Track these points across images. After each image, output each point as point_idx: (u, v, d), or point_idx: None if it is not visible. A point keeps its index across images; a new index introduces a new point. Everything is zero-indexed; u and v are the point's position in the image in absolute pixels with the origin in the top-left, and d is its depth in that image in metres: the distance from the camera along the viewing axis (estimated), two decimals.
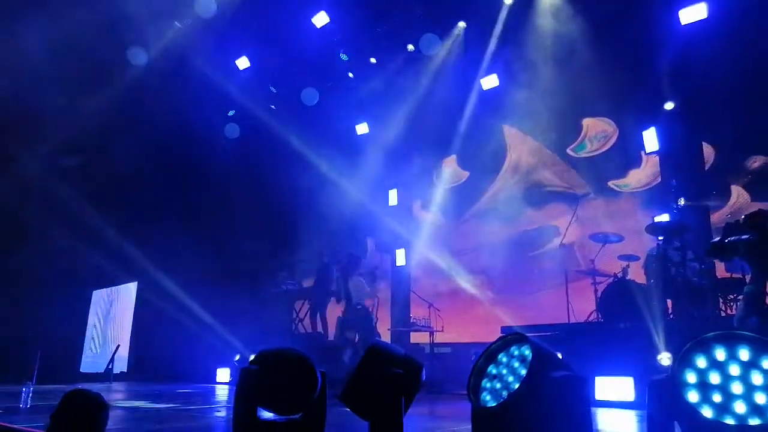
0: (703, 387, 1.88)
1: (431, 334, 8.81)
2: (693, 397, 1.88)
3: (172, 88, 9.18)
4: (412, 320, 9.27)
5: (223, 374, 10.02)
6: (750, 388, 1.82)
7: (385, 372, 2.66)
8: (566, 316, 7.43)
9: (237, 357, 9.52)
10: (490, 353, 2.51)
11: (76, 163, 10.55)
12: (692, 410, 1.84)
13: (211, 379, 10.23)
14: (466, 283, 9.50)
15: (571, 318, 7.41)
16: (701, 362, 1.92)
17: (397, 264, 10.81)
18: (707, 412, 1.84)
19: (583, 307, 7.53)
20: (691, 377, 1.91)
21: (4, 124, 9.17)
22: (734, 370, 1.86)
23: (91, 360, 13.79)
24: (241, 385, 2.88)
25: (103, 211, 11.09)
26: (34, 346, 8.89)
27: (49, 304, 11.70)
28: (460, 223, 10.69)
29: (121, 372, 11.94)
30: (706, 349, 1.92)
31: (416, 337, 9.40)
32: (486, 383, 2.41)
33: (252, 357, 3.09)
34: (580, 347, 6.63)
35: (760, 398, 1.80)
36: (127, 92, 9.49)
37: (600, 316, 7.24)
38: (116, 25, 8.49)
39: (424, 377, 2.79)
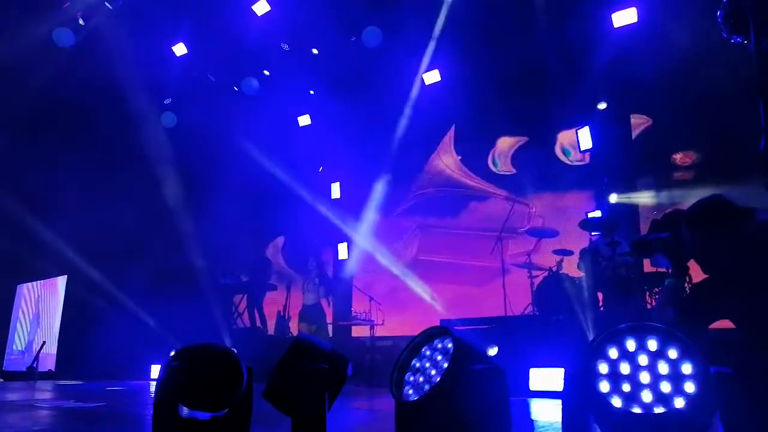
0: (614, 377, 1.94)
1: (372, 327, 8.83)
2: (604, 387, 1.93)
3: (101, 73, 8.77)
4: (353, 314, 9.27)
5: (158, 371, 9.74)
6: (657, 378, 1.88)
7: (309, 367, 2.62)
8: (503, 309, 7.58)
9: (172, 353, 9.25)
10: (413, 347, 2.50)
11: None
12: (603, 400, 1.89)
13: (146, 375, 9.93)
14: (405, 277, 9.55)
15: (508, 311, 7.57)
16: (613, 353, 1.97)
17: (339, 257, 10.76)
18: (616, 402, 1.89)
19: (520, 300, 7.71)
20: (603, 368, 1.96)
21: None
22: (643, 360, 1.92)
23: (16, 357, 13.12)
24: (160, 382, 2.78)
25: (28, 200, 10.56)
26: None
27: None
28: (399, 218, 10.78)
29: (49, 370, 11.42)
30: (618, 340, 1.97)
31: (357, 331, 9.41)
32: (409, 377, 2.40)
33: (172, 353, 3.00)
34: (517, 339, 6.80)
35: (665, 387, 1.86)
36: (54, 76, 9.03)
37: (535, 308, 7.43)
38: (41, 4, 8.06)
39: (350, 372, 2.76)
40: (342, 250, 10.74)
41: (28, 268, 12.45)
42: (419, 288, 9.33)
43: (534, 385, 6.36)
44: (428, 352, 2.40)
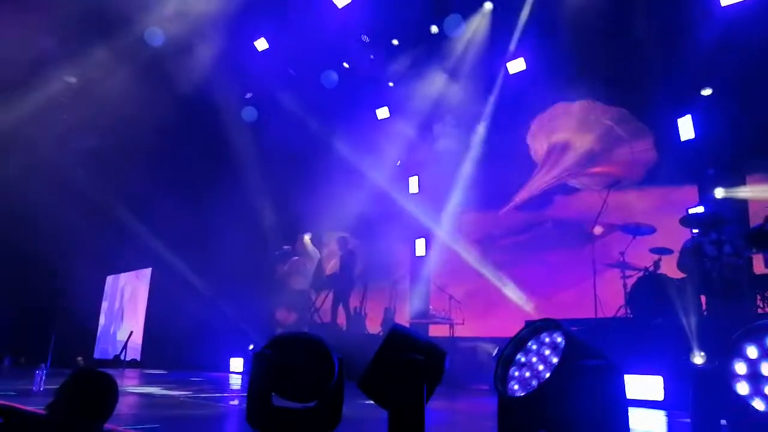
0: (755, 378, 1.78)
1: (451, 326, 8.76)
2: (743, 389, 1.78)
3: (188, 69, 9.19)
4: (431, 312, 9.22)
5: (237, 364, 10.08)
6: None
7: (405, 358, 2.59)
8: (593, 311, 7.30)
9: (251, 346, 9.57)
10: (518, 340, 2.43)
11: (91, 144, 10.66)
12: (742, 403, 1.74)
13: (224, 368, 10.32)
14: (487, 275, 9.43)
15: (598, 313, 7.28)
16: (752, 352, 1.81)
17: (417, 254, 10.75)
18: (759, 405, 1.73)
19: (612, 301, 7.40)
20: (740, 368, 1.80)
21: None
22: None
23: (105, 346, 13.99)
24: (254, 371, 2.84)
25: (117, 194, 11.21)
26: (48, 330, 9.04)
27: (62, 288, 11.88)
28: (485, 214, 10.61)
29: (134, 359, 12.09)
30: (758, 338, 1.81)
31: (435, 330, 9.34)
32: (514, 372, 2.34)
33: (268, 341, 3.06)
34: (608, 343, 6.52)
35: None
36: (142, 72, 9.55)
37: (629, 311, 7.10)
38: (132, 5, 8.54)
39: (447, 365, 2.72)
40: (419, 246, 10.71)
41: (116, 260, 13.22)
42: (502, 287, 9.19)
43: (627, 392, 6.07)
44: (534, 347, 2.34)
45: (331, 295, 10.83)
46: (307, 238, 8.58)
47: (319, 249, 11.72)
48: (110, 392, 2.45)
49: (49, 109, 9.77)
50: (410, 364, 2.58)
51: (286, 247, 8.73)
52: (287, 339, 3.01)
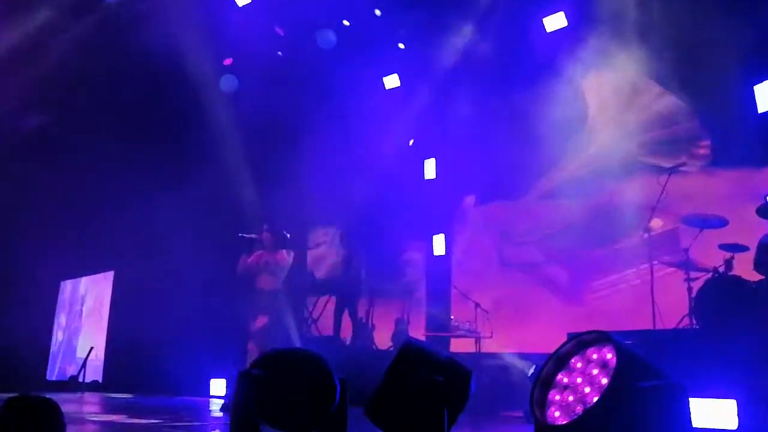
0: None
1: (477, 341, 8.77)
2: None
3: (153, 31, 9.22)
4: (453, 323, 9.23)
5: (218, 386, 10.16)
6: None
7: (423, 379, 2.62)
8: (650, 321, 7.31)
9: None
10: (560, 357, 2.49)
11: (35, 123, 10.75)
12: None
13: (204, 391, 10.40)
14: (523, 277, 9.51)
15: (657, 323, 7.28)
16: None
17: (435, 253, 10.77)
18: None
19: (673, 309, 7.41)
20: None
21: None
22: None
23: (64, 366, 14.13)
24: (239, 395, 2.86)
25: (69, 183, 11.27)
26: None
27: (6, 298, 12.00)
28: (517, 203, 10.65)
29: (95, 381, 12.20)
30: None
31: (458, 345, 9.36)
32: (555, 395, 2.37)
33: (255, 359, 3.09)
34: (669, 360, 6.50)
35: None
36: (96, 34, 9.60)
37: (695, 321, 7.10)
38: None
39: (473, 387, 2.75)
40: (438, 243, 10.72)
41: (73, 261, 13.32)
42: (540, 292, 9.21)
43: (693, 420, 6.07)
44: (579, 365, 2.38)
45: (331, 303, 10.89)
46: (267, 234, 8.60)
47: (310, 245, 11.84)
48: (52, 423, 2.41)
49: None
50: (428, 385, 2.61)
51: (251, 235, 8.66)
52: (279, 356, 3.05)
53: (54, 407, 2.45)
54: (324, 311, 11.21)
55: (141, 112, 11.19)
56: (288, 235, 8.88)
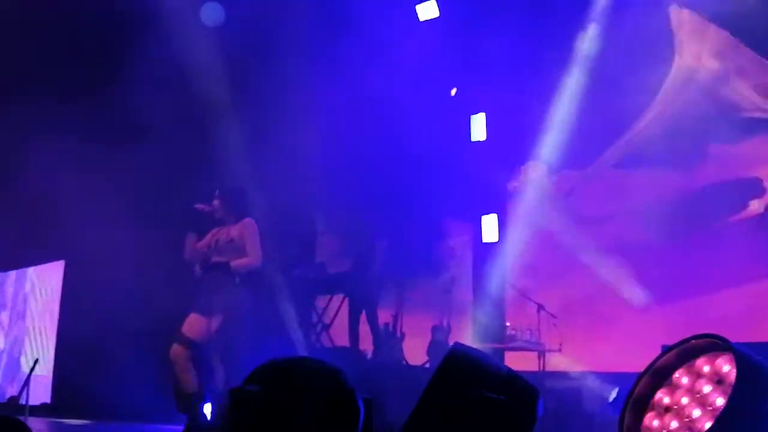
0: None
1: (541, 355, 8.87)
2: None
3: None
4: (508, 332, 9.25)
5: (203, 410, 10.23)
6: None
7: (477, 398, 2.60)
8: None
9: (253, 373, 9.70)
10: (658, 371, 2.52)
11: None
12: None
13: (180, 416, 10.48)
14: (601, 272, 9.49)
15: None
16: None
17: (484, 240, 10.74)
18: None
19: None
20: None
21: None
22: None
23: (2, 383, 14.31)
24: (231, 419, 2.82)
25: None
26: None
27: None
28: (590, 173, 10.68)
29: (43, 404, 12.34)
30: None
31: (516, 359, 9.36)
32: (653, 420, 2.38)
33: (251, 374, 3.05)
34: None
35: None
36: None
37: None
38: None
39: (540, 410, 2.75)
40: (488, 226, 10.68)
41: (8, 251, 13.48)
42: (626, 292, 9.23)
43: None
44: (685, 380, 2.41)
45: (345, 305, 10.96)
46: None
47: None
48: None
49: None
50: (484, 406, 2.59)
51: (200, 205, 8.40)
52: (283, 368, 2.98)
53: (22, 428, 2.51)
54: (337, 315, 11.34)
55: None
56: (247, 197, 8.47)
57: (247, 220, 8.17)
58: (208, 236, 8.24)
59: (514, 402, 2.65)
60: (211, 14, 10.79)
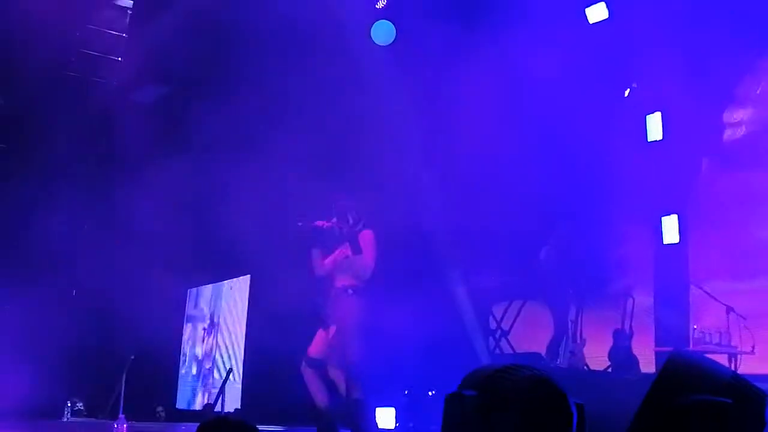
0: None
1: (732, 358, 8.60)
2: None
3: None
4: (696, 334, 9.01)
5: (386, 417, 10.36)
6: None
7: (703, 401, 2.54)
8: None
9: (406, 392, 9.84)
10: None
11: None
12: None
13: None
14: None
15: None
16: None
17: (665, 241, 10.49)
18: None
19: None
20: None
21: None
22: None
23: (190, 390, 14.98)
24: (449, 423, 2.88)
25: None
26: (118, 372, 9.91)
27: (131, 307, 12.95)
28: None
29: (235, 409, 12.81)
30: None
31: None
32: None
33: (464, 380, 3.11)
34: None
35: None
36: None
37: None
38: None
39: None
40: (669, 227, 10.42)
41: (201, 267, 14.15)
42: None
43: None
44: None
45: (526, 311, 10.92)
46: None
47: None
48: None
49: None
50: (712, 410, 2.52)
51: (321, 223, 8.32)
52: (495, 375, 3.02)
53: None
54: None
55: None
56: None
57: (365, 232, 8.13)
58: (336, 253, 8.30)
59: (743, 405, 2.57)
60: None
